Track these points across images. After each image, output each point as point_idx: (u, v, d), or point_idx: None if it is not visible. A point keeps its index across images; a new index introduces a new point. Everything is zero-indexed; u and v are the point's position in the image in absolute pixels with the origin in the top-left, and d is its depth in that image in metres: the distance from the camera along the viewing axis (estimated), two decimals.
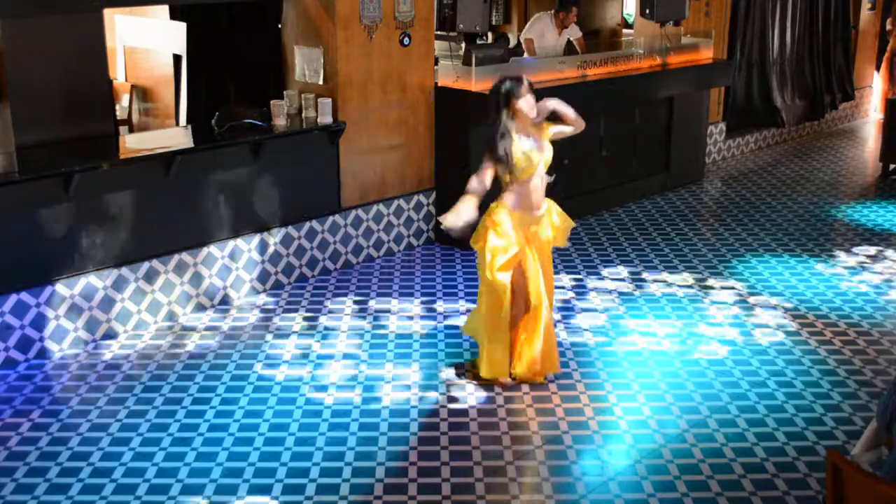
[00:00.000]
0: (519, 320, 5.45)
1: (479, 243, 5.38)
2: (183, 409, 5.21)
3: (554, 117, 5.36)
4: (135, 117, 8.35)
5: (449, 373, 5.67)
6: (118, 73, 8.40)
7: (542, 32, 9.60)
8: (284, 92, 7.18)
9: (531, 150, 5.20)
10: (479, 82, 7.56)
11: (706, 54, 9.89)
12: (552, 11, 9.73)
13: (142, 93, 8.45)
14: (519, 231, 5.29)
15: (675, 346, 6.09)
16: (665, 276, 7.32)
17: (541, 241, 5.38)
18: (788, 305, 6.76)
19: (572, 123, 5.40)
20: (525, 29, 9.92)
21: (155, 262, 6.24)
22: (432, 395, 5.42)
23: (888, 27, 13.29)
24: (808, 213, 9.05)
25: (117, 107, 7.97)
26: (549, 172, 5.42)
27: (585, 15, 11.72)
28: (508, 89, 5.16)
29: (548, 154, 5.31)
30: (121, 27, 8.34)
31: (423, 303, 6.73)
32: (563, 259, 7.63)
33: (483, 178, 5.19)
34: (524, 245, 5.31)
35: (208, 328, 6.27)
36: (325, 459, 4.74)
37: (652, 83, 9.06)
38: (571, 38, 9.79)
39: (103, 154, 6.15)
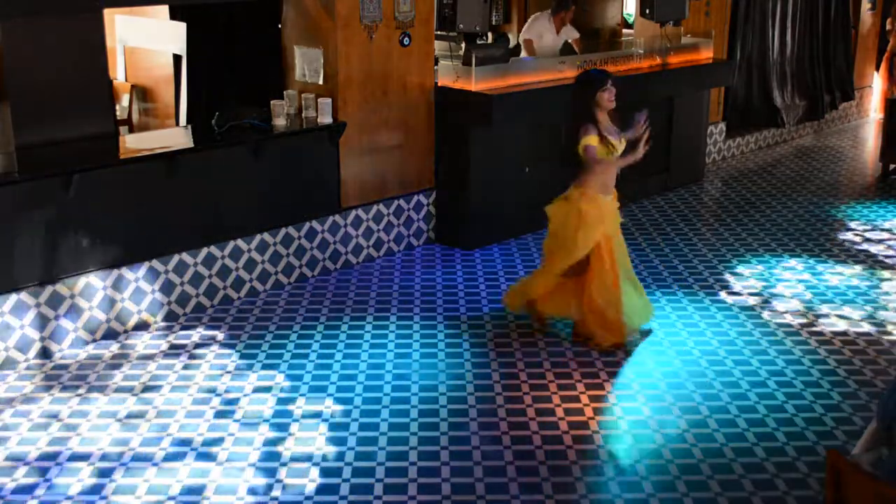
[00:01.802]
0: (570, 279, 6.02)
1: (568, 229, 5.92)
2: (183, 409, 5.21)
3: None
4: (135, 117, 8.35)
5: (449, 372, 5.68)
6: (118, 73, 8.40)
7: (541, 33, 9.59)
8: (284, 92, 7.18)
9: (613, 137, 5.83)
10: (479, 82, 7.56)
11: (706, 54, 9.88)
12: (549, 11, 9.71)
13: (142, 93, 8.45)
14: (607, 217, 5.92)
15: (675, 346, 6.09)
16: (664, 276, 7.32)
17: (615, 220, 6.03)
18: (788, 305, 6.76)
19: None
20: (524, 29, 9.89)
21: (155, 263, 6.24)
22: (432, 395, 5.42)
23: (888, 27, 13.29)
24: (808, 213, 9.05)
25: (117, 107, 7.97)
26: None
27: (585, 15, 11.71)
28: (594, 80, 5.80)
29: (622, 146, 5.94)
30: (121, 27, 8.34)
31: (423, 302, 6.74)
32: None
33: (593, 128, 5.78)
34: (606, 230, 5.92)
35: (209, 328, 6.27)
36: (325, 460, 4.74)
37: (652, 83, 9.06)
38: (569, 40, 9.78)
39: (103, 154, 6.16)
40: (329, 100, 6.99)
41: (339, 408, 5.26)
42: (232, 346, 6.01)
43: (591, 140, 5.76)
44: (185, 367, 5.72)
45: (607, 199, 6.00)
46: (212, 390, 5.43)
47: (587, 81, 5.88)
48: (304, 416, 5.15)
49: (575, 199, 5.94)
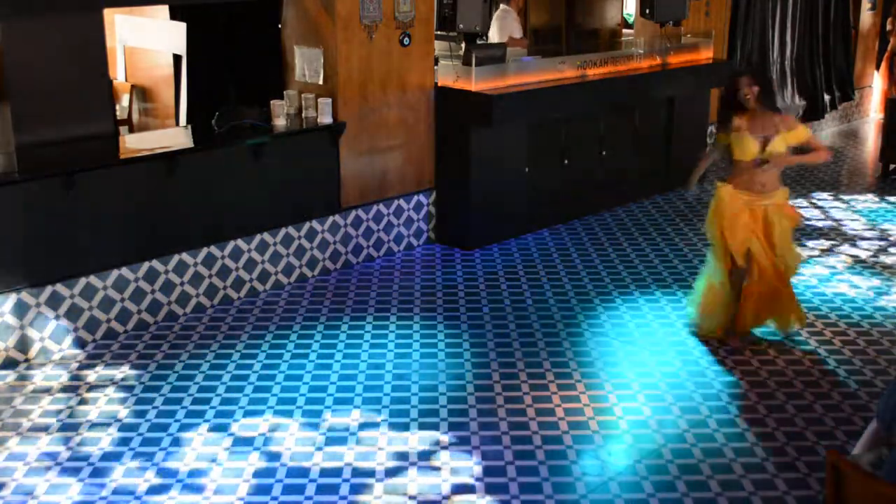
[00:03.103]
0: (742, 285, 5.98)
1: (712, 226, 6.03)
2: (183, 410, 5.21)
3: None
4: (135, 117, 8.35)
5: (449, 372, 5.68)
6: (118, 73, 8.40)
7: (511, 27, 9.48)
8: (284, 92, 7.18)
9: (749, 140, 5.78)
10: (479, 82, 7.56)
11: (706, 54, 9.88)
12: (504, 6, 9.55)
13: (142, 93, 8.45)
14: (745, 209, 5.85)
15: (675, 346, 6.09)
16: (664, 276, 7.32)
17: (768, 218, 5.87)
18: None
19: (814, 158, 6.18)
20: (495, 32, 9.48)
21: (155, 263, 6.24)
22: (432, 394, 5.42)
23: (888, 27, 13.29)
24: (808, 212, 9.04)
25: (117, 107, 7.97)
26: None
27: (585, 15, 11.72)
28: (735, 83, 5.86)
29: (773, 149, 5.78)
30: (121, 27, 8.34)
31: (423, 303, 6.74)
32: (562, 260, 7.64)
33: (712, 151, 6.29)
34: (748, 222, 5.85)
35: (209, 328, 6.27)
36: (325, 459, 4.74)
37: (652, 83, 9.06)
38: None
39: (103, 154, 6.16)
40: (329, 100, 6.99)
41: (339, 408, 5.26)
42: (232, 346, 6.01)
43: (721, 138, 5.98)
44: (185, 367, 5.72)
45: (746, 195, 5.86)
46: (212, 390, 5.43)
47: (730, 81, 5.97)
48: (303, 416, 5.15)
49: (718, 188, 6.03)
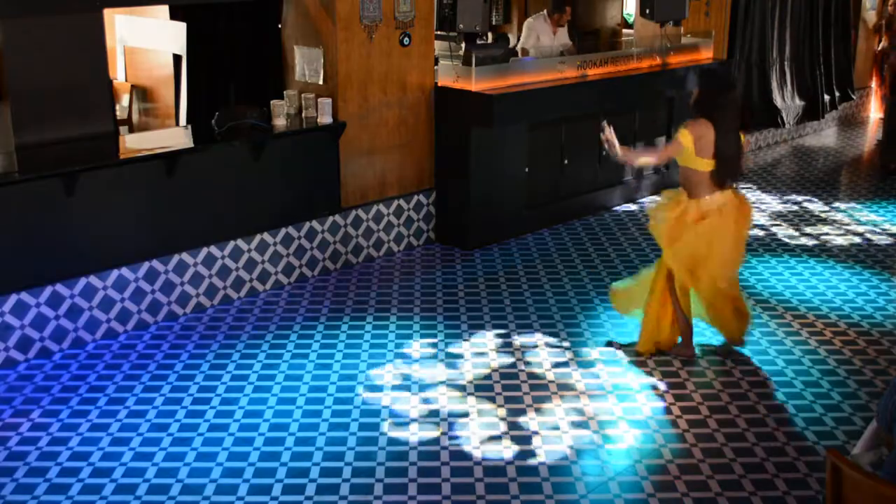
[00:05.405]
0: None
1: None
2: (183, 409, 5.21)
3: None
4: (135, 117, 8.35)
5: (448, 372, 5.68)
6: (118, 73, 8.40)
7: (538, 34, 9.53)
8: (284, 92, 7.18)
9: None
10: (479, 82, 7.56)
11: (706, 54, 9.88)
12: (544, 13, 9.65)
13: (142, 93, 8.45)
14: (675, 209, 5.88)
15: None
16: None
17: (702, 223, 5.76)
18: (788, 305, 6.76)
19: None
20: (522, 39, 9.73)
21: (155, 263, 6.24)
22: (432, 395, 5.42)
23: (876, 20, 13.31)
24: (807, 213, 9.05)
25: (117, 107, 7.96)
26: None
27: (585, 15, 11.72)
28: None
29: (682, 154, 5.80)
30: (121, 27, 8.34)
31: (423, 302, 6.74)
32: (563, 260, 7.64)
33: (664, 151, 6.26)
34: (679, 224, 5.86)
35: (209, 328, 6.27)
36: (325, 459, 4.74)
37: (652, 83, 9.05)
38: (563, 49, 9.60)
39: (103, 154, 6.16)
40: (329, 100, 6.99)
41: (338, 408, 5.26)
42: (232, 347, 6.01)
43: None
44: (185, 367, 5.72)
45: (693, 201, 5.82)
46: (212, 390, 5.43)
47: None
48: (303, 416, 5.15)
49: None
